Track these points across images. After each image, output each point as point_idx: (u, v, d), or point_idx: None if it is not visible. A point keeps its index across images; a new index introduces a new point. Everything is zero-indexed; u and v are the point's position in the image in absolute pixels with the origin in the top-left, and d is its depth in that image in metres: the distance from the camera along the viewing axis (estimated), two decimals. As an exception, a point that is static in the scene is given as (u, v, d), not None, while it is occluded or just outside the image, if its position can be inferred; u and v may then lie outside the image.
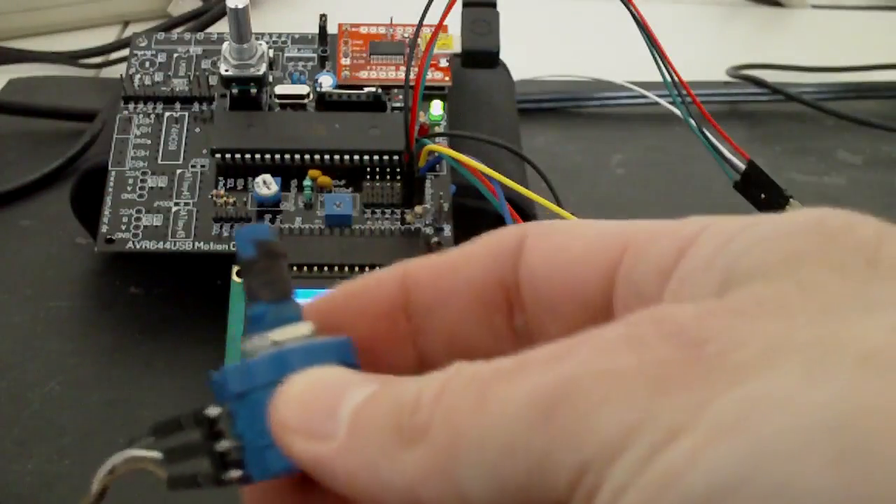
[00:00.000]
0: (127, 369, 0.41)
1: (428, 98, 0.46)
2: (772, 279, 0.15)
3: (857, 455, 0.12)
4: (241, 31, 0.44)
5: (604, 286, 0.19)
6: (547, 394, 0.14)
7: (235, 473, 0.19)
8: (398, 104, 0.46)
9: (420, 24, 0.42)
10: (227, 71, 0.44)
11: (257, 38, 0.45)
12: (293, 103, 0.46)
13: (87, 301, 0.45)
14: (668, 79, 0.43)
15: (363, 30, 0.49)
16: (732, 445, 0.13)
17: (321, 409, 0.17)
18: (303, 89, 0.46)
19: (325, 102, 0.46)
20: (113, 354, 0.42)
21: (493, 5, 0.44)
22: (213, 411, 0.19)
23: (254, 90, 0.45)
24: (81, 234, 0.46)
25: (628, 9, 0.42)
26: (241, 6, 0.43)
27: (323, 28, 0.48)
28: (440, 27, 0.40)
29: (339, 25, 0.49)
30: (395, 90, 0.47)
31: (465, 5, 0.44)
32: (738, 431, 0.13)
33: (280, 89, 0.46)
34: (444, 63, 0.47)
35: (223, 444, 0.19)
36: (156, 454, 0.20)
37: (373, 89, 0.46)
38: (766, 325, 0.14)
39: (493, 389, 0.15)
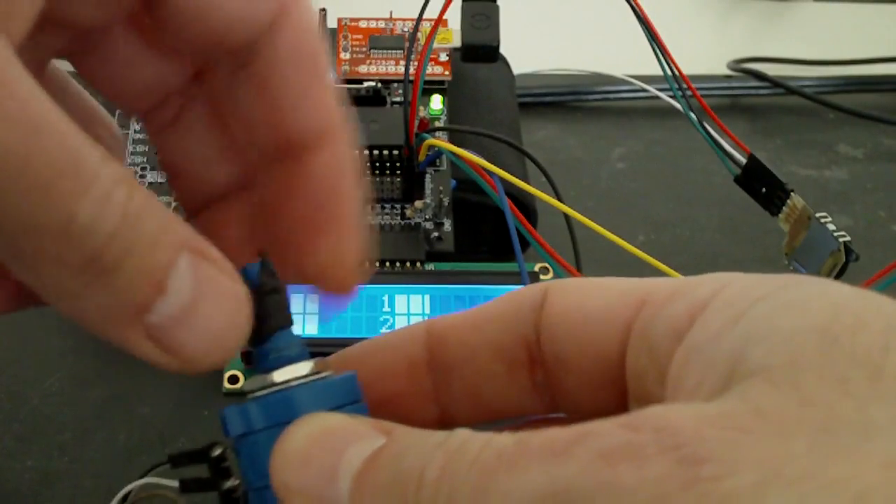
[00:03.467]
0: (126, 366, 0.41)
1: (428, 92, 0.46)
2: (775, 384, 0.15)
3: None
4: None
5: (621, 342, 0.19)
6: (546, 499, 0.14)
7: None
8: (398, 98, 0.46)
9: (420, 18, 0.42)
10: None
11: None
12: (292, 98, 0.45)
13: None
14: (669, 72, 0.43)
15: (362, 24, 0.49)
16: None
17: (322, 469, 0.17)
18: (302, 84, 0.46)
19: (324, 97, 0.46)
20: (112, 351, 0.42)
21: (493, -1, 0.44)
22: (216, 451, 0.19)
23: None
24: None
25: (628, 2, 0.42)
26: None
27: (322, 22, 0.48)
28: (440, 21, 0.40)
29: (339, 20, 0.49)
30: (395, 84, 0.47)
31: (464, -1, 0.44)
32: None
33: (279, 84, 0.46)
34: (443, 57, 0.47)
35: (229, 482, 0.19)
36: (172, 483, 0.20)
37: (372, 83, 0.46)
38: (763, 447, 0.14)
39: (493, 481, 0.15)
